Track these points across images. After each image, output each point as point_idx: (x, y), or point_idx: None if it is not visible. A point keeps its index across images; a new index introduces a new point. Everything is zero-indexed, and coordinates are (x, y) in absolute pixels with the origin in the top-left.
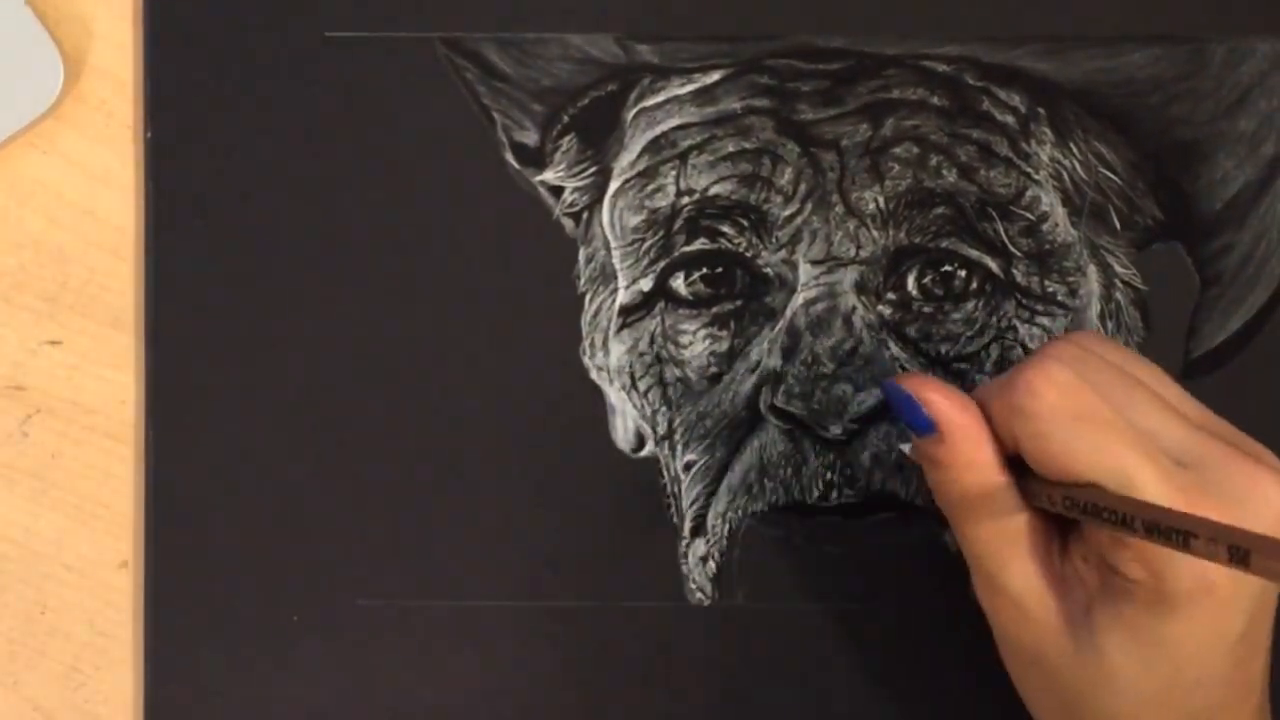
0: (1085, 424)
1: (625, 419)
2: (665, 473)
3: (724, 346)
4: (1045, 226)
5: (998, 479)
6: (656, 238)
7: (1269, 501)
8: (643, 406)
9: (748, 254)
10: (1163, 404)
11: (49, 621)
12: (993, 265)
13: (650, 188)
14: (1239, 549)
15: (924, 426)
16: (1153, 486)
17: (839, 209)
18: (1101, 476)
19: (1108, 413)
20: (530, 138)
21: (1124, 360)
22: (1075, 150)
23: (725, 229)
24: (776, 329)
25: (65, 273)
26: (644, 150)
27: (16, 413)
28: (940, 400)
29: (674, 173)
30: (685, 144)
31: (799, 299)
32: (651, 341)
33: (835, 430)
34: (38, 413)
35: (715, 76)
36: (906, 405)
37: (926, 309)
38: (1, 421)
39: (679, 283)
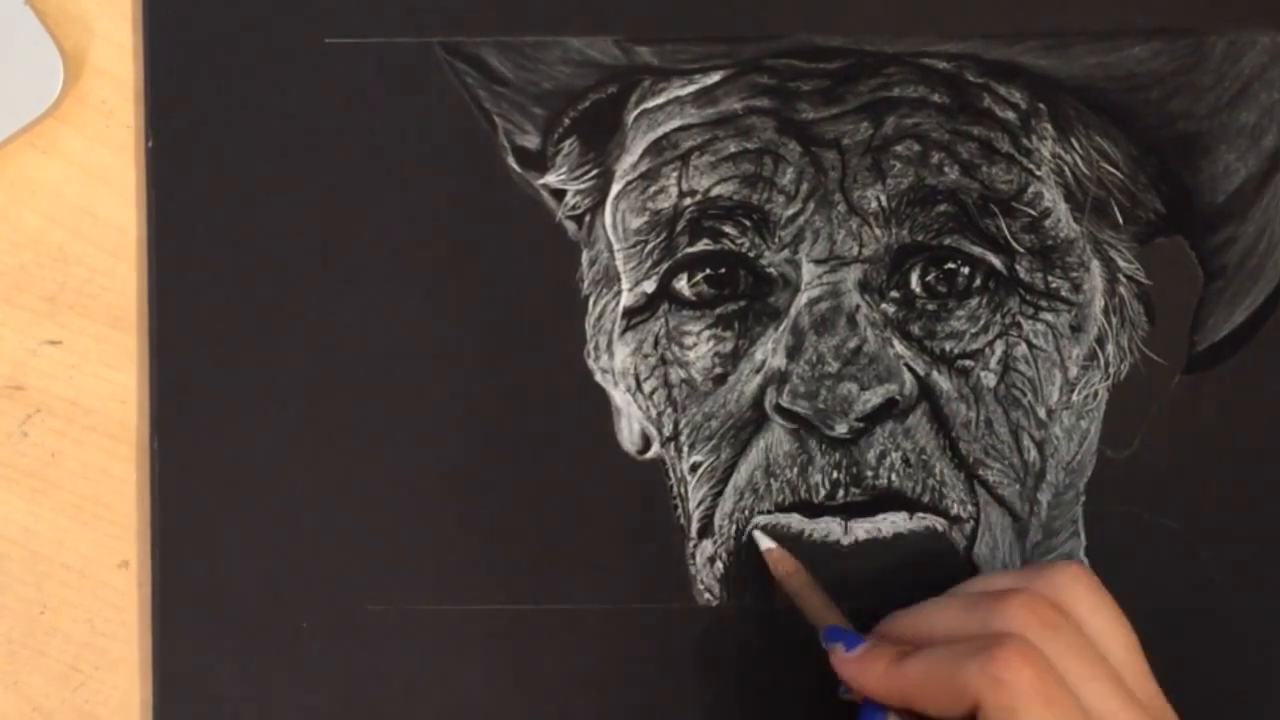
0: (1053, 710)
1: (631, 421)
2: (671, 474)
3: (728, 347)
4: (1048, 222)
5: None
6: (659, 239)
7: None
8: (648, 408)
9: (751, 254)
10: (1117, 686)
11: (49, 621)
12: (996, 262)
13: (652, 189)
14: None
15: None
16: None
17: (841, 208)
18: None
19: (1072, 704)
20: (531, 141)
21: (1093, 620)
22: (1077, 145)
23: (728, 229)
24: (781, 329)
25: (65, 273)
26: (645, 152)
27: (16, 413)
28: None
29: (676, 174)
30: (687, 145)
31: (803, 298)
32: (656, 343)
33: (841, 429)
34: (38, 413)
35: (715, 77)
36: None
37: (930, 306)
38: (1, 421)
39: (682, 284)
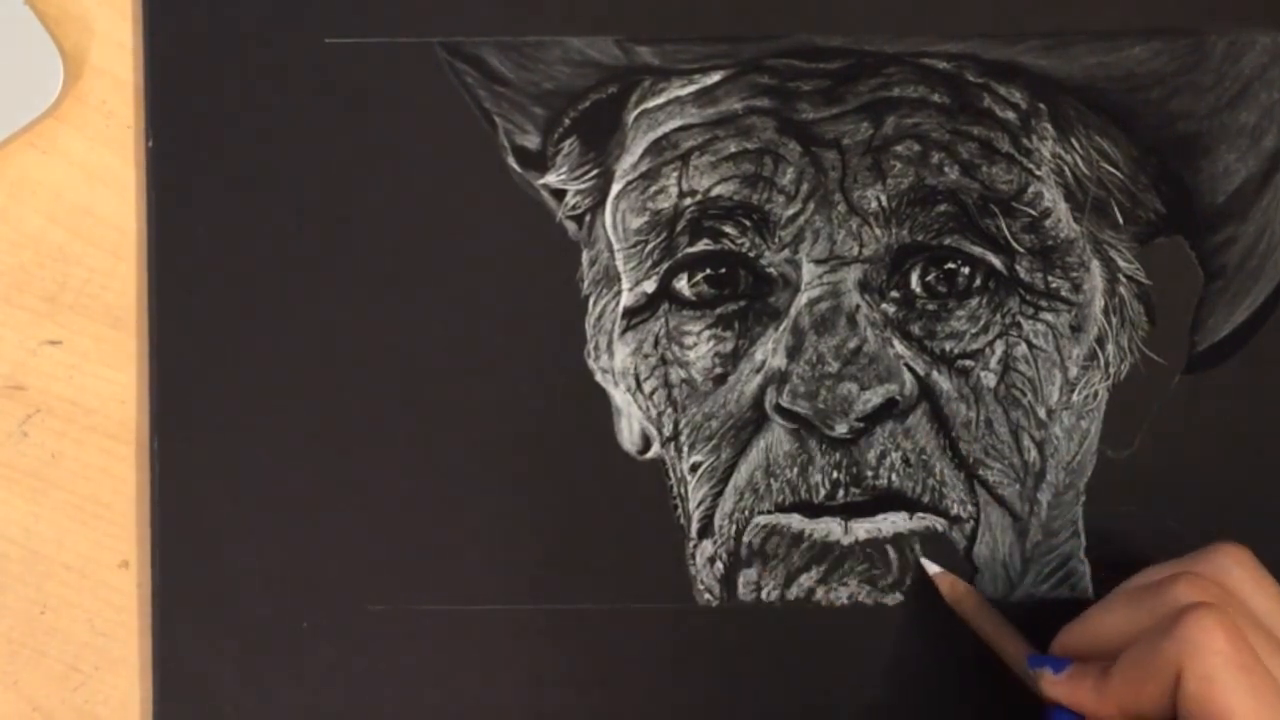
0: (1249, 676)
1: (631, 421)
2: (672, 474)
3: (728, 347)
4: (1048, 222)
5: None
6: (659, 239)
7: None
8: (648, 408)
9: (751, 254)
10: None
11: (49, 621)
12: (996, 262)
13: (652, 189)
14: None
15: None
16: None
17: (841, 208)
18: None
19: (1263, 670)
20: (532, 141)
21: (1263, 604)
22: (1077, 145)
23: (728, 229)
24: (781, 329)
25: (65, 273)
26: (646, 152)
27: (16, 413)
28: None
29: (676, 174)
30: (687, 145)
31: (803, 298)
32: (656, 343)
33: (841, 429)
34: (38, 413)
35: (716, 77)
36: None
37: (930, 306)
38: (1, 421)
39: (683, 284)
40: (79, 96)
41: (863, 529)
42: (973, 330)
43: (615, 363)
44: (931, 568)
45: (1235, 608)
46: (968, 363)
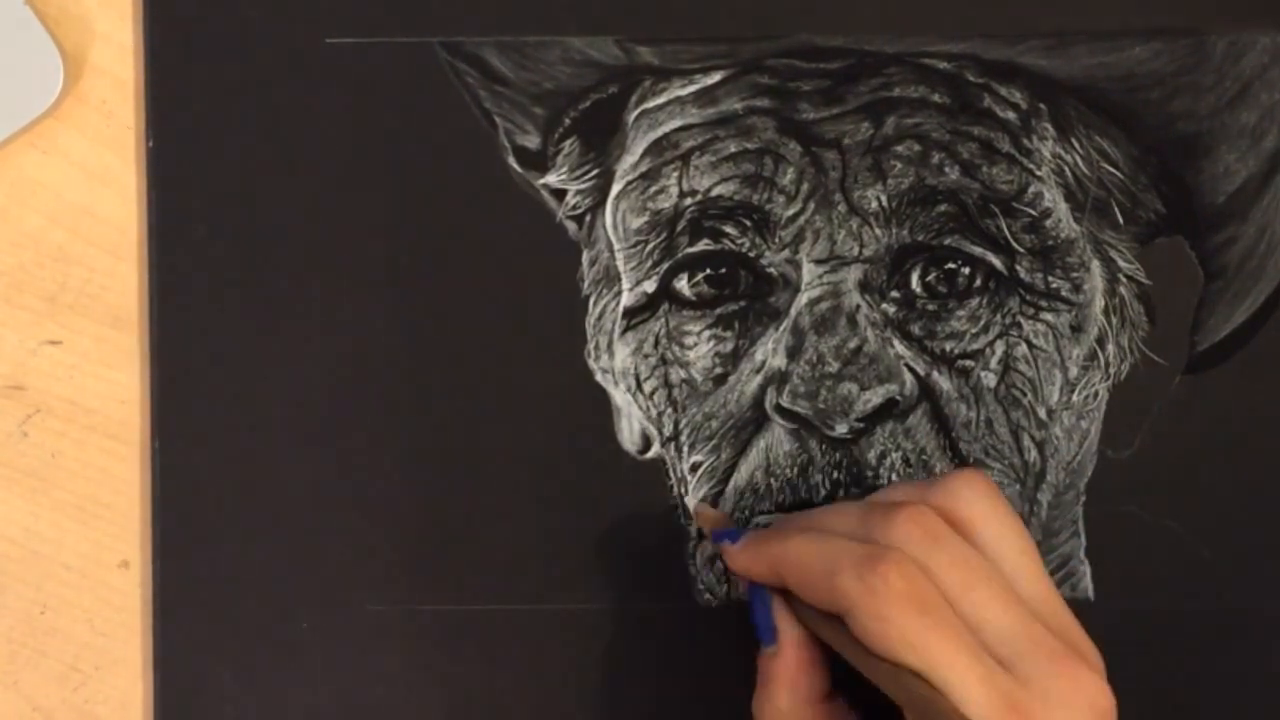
0: (926, 617)
1: (631, 421)
2: (672, 474)
3: (729, 347)
4: (1048, 222)
5: (809, 713)
6: (660, 239)
7: (1091, 704)
8: (648, 408)
9: (751, 254)
10: (1002, 590)
11: (49, 621)
12: (996, 262)
13: (653, 189)
14: None
15: (766, 635)
16: (974, 689)
17: (842, 208)
18: (927, 671)
19: (945, 609)
20: (532, 141)
21: (986, 527)
22: (1077, 146)
23: (728, 229)
24: (781, 329)
25: (65, 273)
26: (646, 152)
27: (16, 413)
28: (788, 621)
29: (676, 174)
30: (687, 145)
31: (803, 298)
32: (656, 343)
33: (841, 429)
34: (38, 413)
35: (716, 77)
36: (760, 608)
37: (930, 306)
38: (1, 421)
39: (683, 284)
40: (79, 96)
41: None
42: (973, 330)
43: (615, 363)
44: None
45: (951, 542)
46: (968, 363)
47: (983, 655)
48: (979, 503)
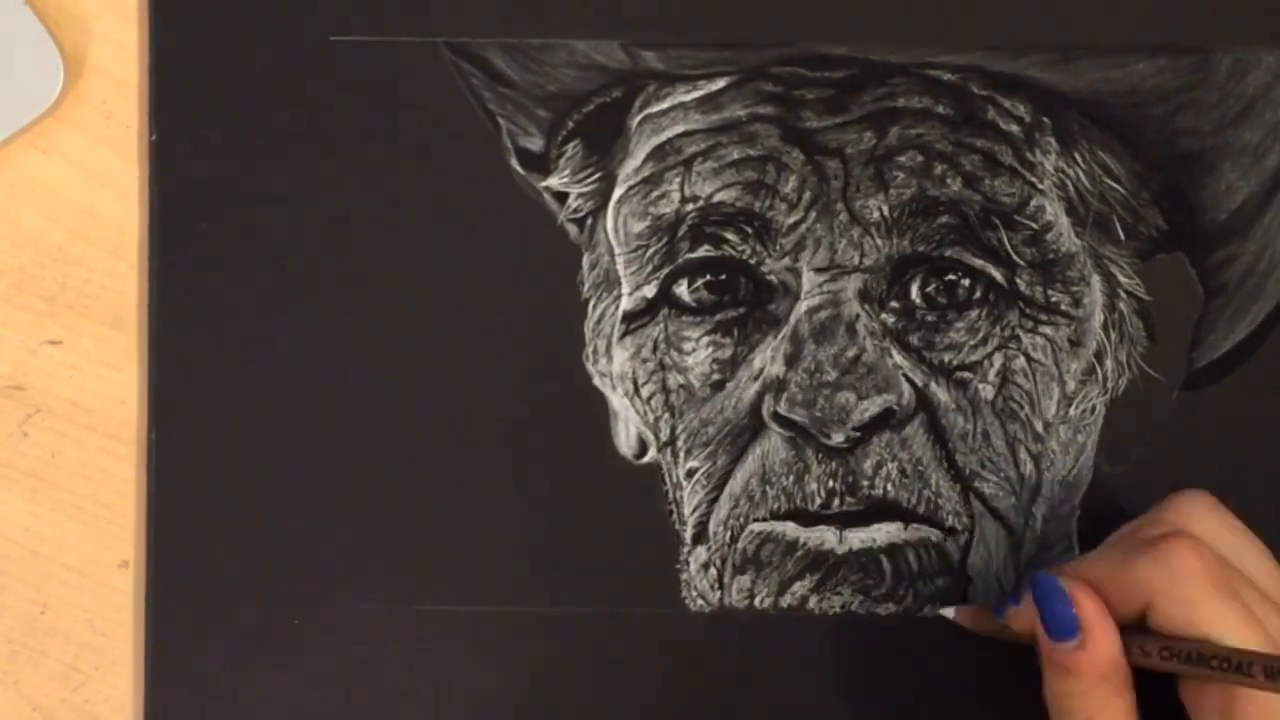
0: (1232, 599)
1: (628, 425)
2: (667, 479)
3: (727, 353)
4: (1049, 236)
5: (1123, 700)
6: (660, 244)
7: None
8: (645, 413)
9: (751, 261)
10: (1264, 594)
11: (49, 621)
12: (996, 274)
13: (655, 194)
14: None
15: (1067, 630)
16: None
17: (843, 217)
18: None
19: (1250, 590)
20: (535, 143)
21: (1231, 543)
22: (1080, 160)
23: (729, 236)
24: (780, 336)
25: (65, 273)
26: (649, 157)
27: (16, 413)
28: (1091, 606)
29: (678, 179)
30: (690, 151)
31: (802, 306)
32: (655, 348)
33: (838, 438)
34: (38, 413)
35: (720, 84)
36: (1056, 600)
37: (930, 317)
38: (1, 421)
39: (682, 289)
40: (79, 96)
41: (857, 539)
42: (971, 342)
43: (614, 367)
44: (948, 612)
45: (1226, 519)
46: (966, 374)
47: (1272, 637)
48: (1213, 518)
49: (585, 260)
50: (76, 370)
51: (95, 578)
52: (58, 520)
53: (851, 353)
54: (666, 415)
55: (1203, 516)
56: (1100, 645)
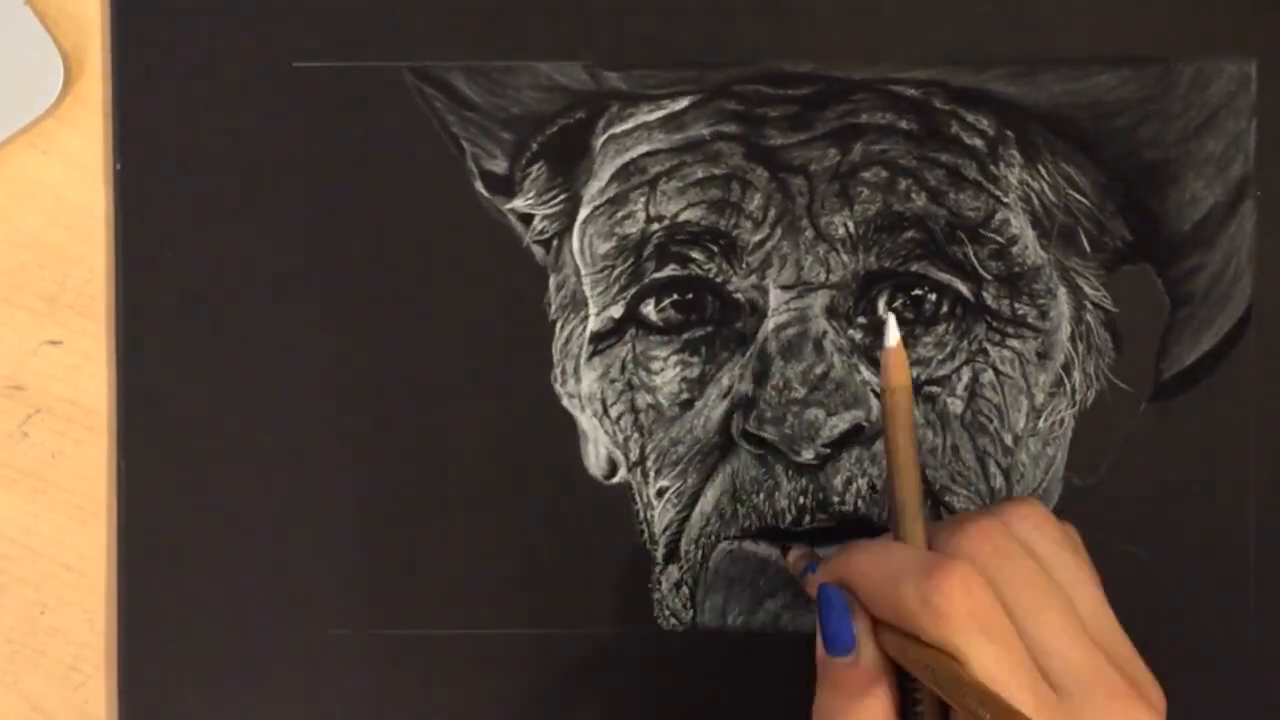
0: (991, 642)
1: (597, 446)
2: (638, 499)
3: (695, 372)
4: (1015, 249)
5: (887, 704)
6: (626, 264)
7: None
8: (615, 433)
9: (718, 280)
10: (1068, 618)
11: (49, 621)
12: (963, 288)
13: (620, 214)
14: None
15: (845, 646)
16: (1026, 711)
17: (809, 234)
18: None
19: (1011, 634)
20: (499, 166)
21: (1050, 552)
22: (1044, 173)
23: (695, 255)
24: (748, 354)
25: (65, 273)
26: (613, 177)
27: (16, 413)
28: (868, 628)
29: (643, 199)
30: (654, 170)
31: (770, 324)
32: (623, 368)
33: (807, 455)
34: (38, 413)
35: (684, 103)
36: (835, 616)
37: None
38: (1, 421)
39: (649, 309)
40: (79, 96)
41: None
42: (939, 357)
43: (582, 387)
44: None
45: (1019, 559)
46: (934, 389)
47: (1039, 684)
48: (1042, 527)
49: (552, 281)
50: (76, 370)
51: (95, 578)
52: (58, 520)
53: (820, 369)
54: (636, 435)
55: (1028, 522)
56: (870, 659)
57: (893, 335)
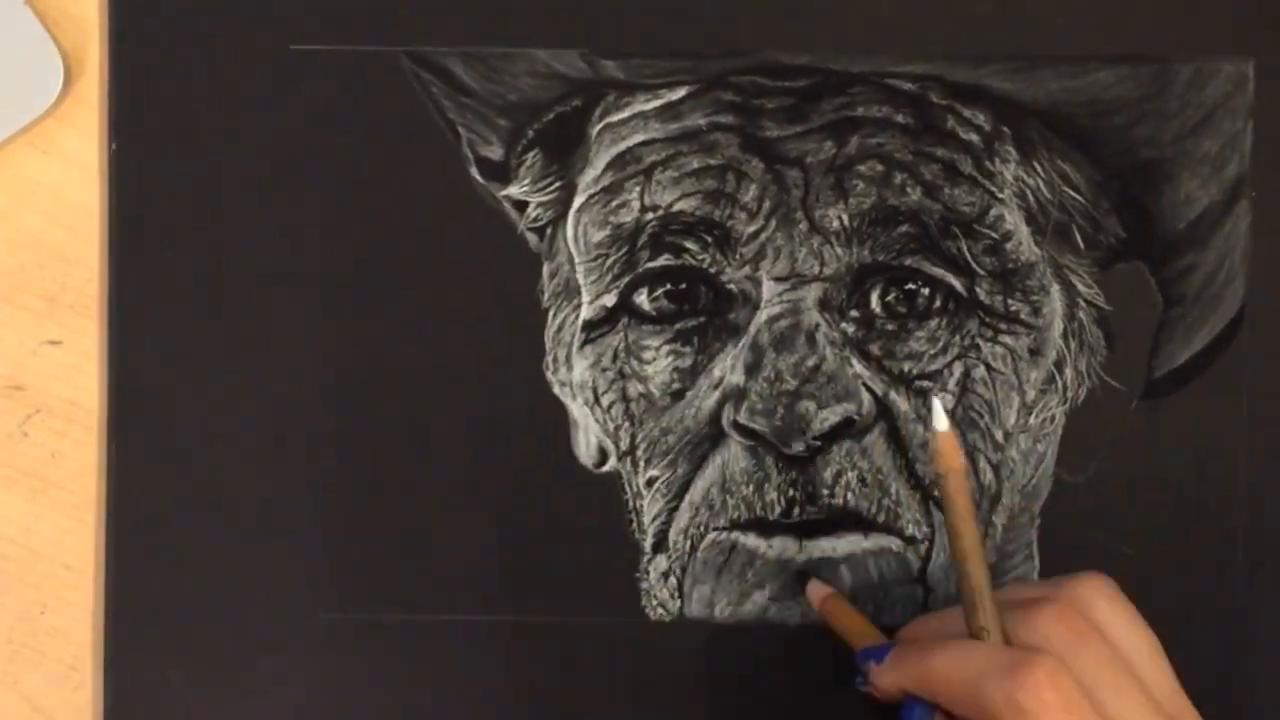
0: None
1: (588, 434)
2: (627, 488)
3: (687, 363)
4: (1009, 245)
5: None
6: (620, 253)
7: None
8: (605, 422)
9: (711, 270)
10: (1146, 699)
11: (49, 621)
12: (956, 283)
13: (615, 203)
14: None
15: None
16: None
17: (803, 226)
18: None
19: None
20: (495, 152)
21: (1126, 633)
22: (1039, 169)
23: (689, 245)
24: (740, 345)
25: (65, 273)
26: (609, 166)
27: (16, 413)
28: None
29: (638, 188)
30: (650, 160)
31: (762, 315)
32: (615, 357)
33: (798, 447)
34: (38, 413)
35: (680, 93)
36: None
37: (890, 326)
38: (1, 421)
39: (642, 298)
40: (79, 96)
41: (817, 548)
42: (931, 351)
43: (574, 375)
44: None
45: (1096, 641)
46: (926, 383)
47: None
48: (1108, 604)
49: (545, 269)
50: (76, 370)
51: (95, 578)
52: (57, 520)
53: (811, 362)
54: (626, 424)
55: (1095, 599)
56: None
57: (941, 419)
